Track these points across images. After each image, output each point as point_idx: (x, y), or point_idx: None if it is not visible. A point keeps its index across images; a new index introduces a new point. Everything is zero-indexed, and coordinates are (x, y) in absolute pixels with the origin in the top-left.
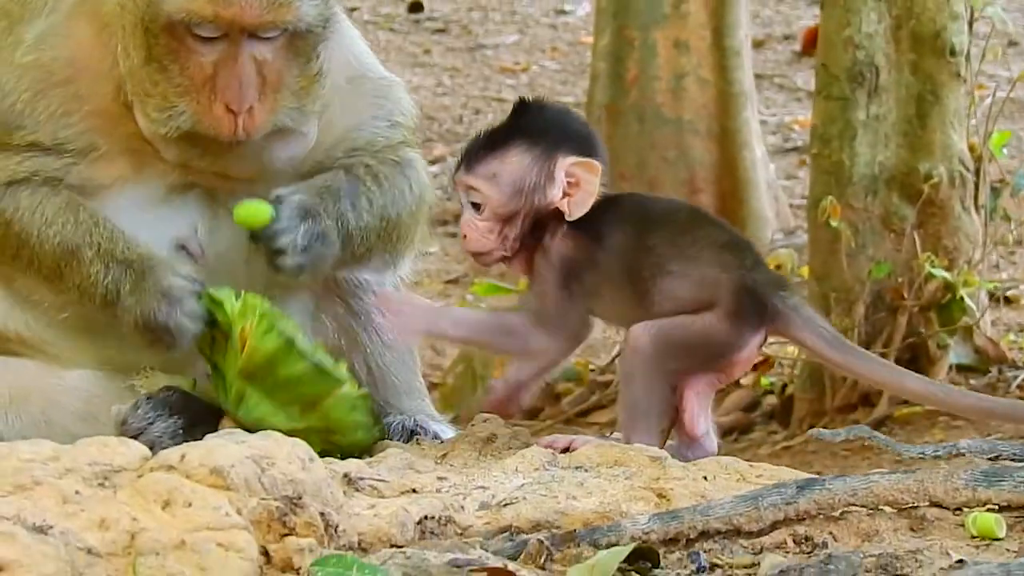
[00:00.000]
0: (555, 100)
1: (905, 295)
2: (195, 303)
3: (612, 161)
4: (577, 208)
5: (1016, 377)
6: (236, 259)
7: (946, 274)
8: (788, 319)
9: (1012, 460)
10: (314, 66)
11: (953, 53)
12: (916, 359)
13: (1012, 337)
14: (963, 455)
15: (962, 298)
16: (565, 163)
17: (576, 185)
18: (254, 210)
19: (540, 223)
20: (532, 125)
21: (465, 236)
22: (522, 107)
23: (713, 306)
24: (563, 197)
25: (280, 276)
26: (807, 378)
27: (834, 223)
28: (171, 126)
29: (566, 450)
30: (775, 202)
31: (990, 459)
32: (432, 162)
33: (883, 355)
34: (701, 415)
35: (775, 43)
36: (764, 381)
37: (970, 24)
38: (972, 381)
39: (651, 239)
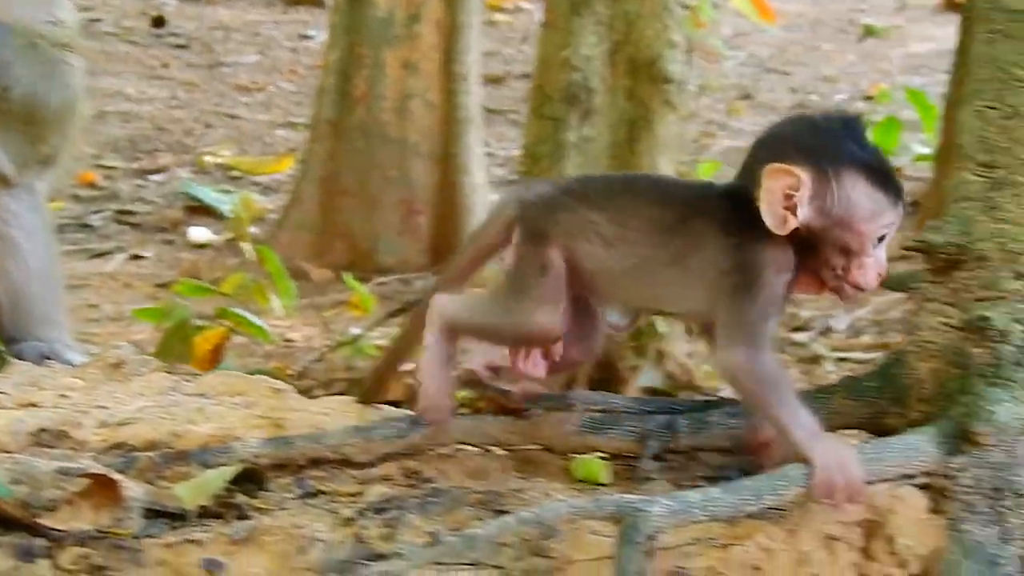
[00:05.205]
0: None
1: None
2: None
3: (333, 177)
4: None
5: None
6: None
7: None
8: None
9: (624, 412)
10: None
11: (667, 81)
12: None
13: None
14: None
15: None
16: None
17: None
18: None
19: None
20: None
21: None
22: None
23: None
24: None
25: None
26: None
27: None
28: None
29: None
30: None
31: (600, 410)
32: (157, 171)
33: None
34: None
35: (513, 80)
36: None
37: (688, 52)
38: None
39: None
